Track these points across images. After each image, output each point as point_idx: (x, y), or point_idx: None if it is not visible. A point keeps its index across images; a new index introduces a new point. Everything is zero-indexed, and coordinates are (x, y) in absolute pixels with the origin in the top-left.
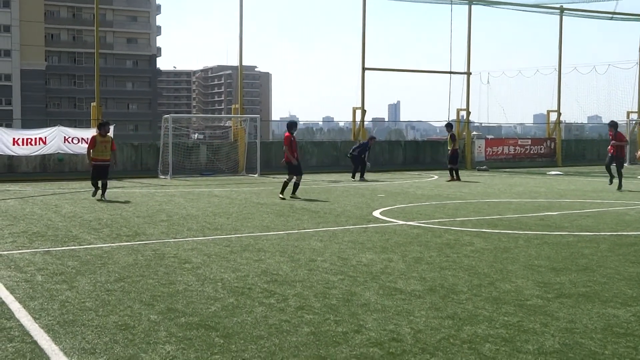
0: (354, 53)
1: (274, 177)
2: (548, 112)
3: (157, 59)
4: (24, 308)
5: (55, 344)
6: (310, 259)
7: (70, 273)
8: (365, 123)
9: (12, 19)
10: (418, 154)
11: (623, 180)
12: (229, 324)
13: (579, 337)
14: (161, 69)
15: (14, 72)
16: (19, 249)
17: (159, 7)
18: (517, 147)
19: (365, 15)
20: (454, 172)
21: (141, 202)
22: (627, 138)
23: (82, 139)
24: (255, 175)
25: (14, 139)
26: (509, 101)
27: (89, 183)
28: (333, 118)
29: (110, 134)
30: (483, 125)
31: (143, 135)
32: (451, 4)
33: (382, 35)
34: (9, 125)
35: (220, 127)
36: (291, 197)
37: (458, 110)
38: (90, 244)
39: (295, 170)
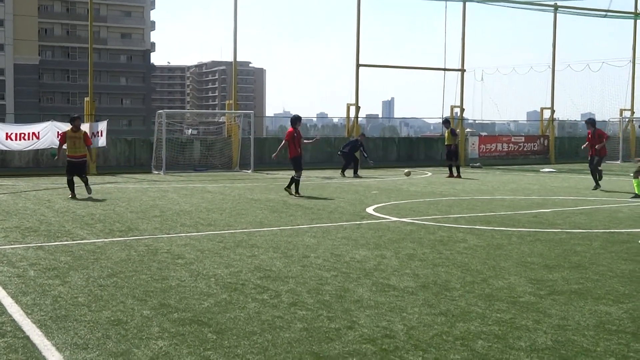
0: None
1: (267, 173)
2: (541, 109)
3: (151, 54)
4: (16, 303)
5: (48, 339)
6: (303, 255)
7: (63, 268)
8: (359, 119)
9: (6, 13)
10: (412, 151)
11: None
12: (221, 320)
13: (571, 334)
14: (155, 64)
15: (7, 67)
16: (12, 244)
17: (153, 2)
18: (511, 144)
19: (359, 12)
20: (453, 169)
21: (134, 197)
22: (609, 135)
23: None
24: (249, 171)
25: (7, 133)
26: (503, 98)
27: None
28: (327, 114)
29: (104, 128)
30: (477, 122)
31: (136, 131)
32: (445, 0)
33: (376, 32)
34: (2, 120)
35: (214, 123)
36: (285, 189)
37: (452, 107)
38: (83, 239)
39: (297, 166)
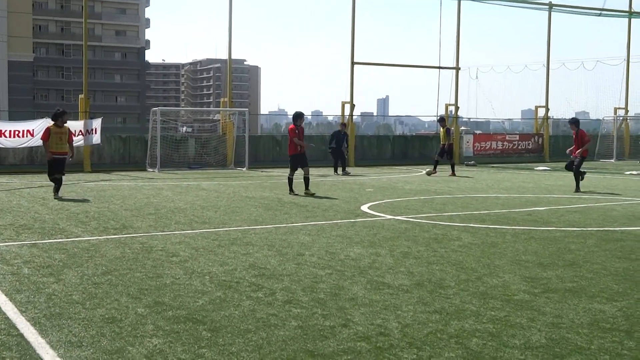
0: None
1: (262, 171)
2: (536, 107)
3: (146, 51)
4: (10, 301)
5: (42, 337)
6: (298, 253)
7: (57, 266)
8: (354, 117)
9: (0, 9)
10: (406, 149)
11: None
12: (216, 318)
13: (565, 331)
14: (150, 61)
15: (1, 64)
16: (6, 242)
17: None
18: (505, 143)
19: (354, 9)
20: (444, 166)
21: (129, 195)
22: (590, 136)
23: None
24: (244, 169)
25: (0, 130)
26: (498, 96)
27: (76, 176)
28: (322, 112)
29: (98, 126)
30: (471, 120)
31: (131, 128)
32: None
33: (371, 30)
34: None
35: (208, 121)
36: (291, 193)
37: (447, 105)
38: (77, 237)
39: (295, 163)
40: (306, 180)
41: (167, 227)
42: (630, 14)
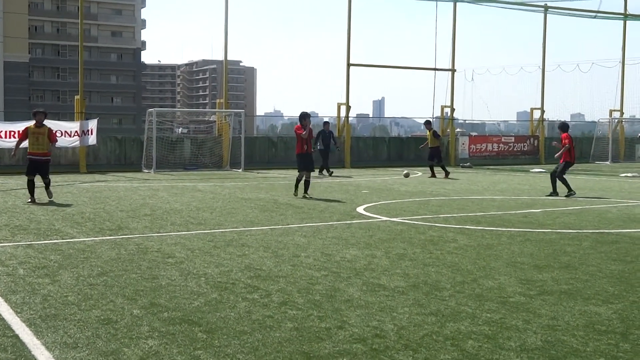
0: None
1: (257, 172)
2: (532, 109)
3: (142, 52)
4: (6, 302)
5: (37, 338)
6: (293, 254)
7: (53, 267)
8: (349, 119)
9: None
10: (402, 151)
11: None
12: (212, 319)
13: (561, 334)
14: (146, 62)
15: None
16: (1, 243)
17: (143, 0)
18: (501, 145)
19: (350, 11)
20: (442, 168)
21: (124, 196)
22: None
23: (65, 132)
24: (240, 170)
25: None
26: (493, 98)
27: (72, 176)
28: (318, 114)
29: (94, 126)
30: (467, 122)
31: (127, 129)
32: (436, 0)
33: (367, 31)
34: None
35: (204, 122)
36: (295, 194)
37: (442, 107)
38: (73, 238)
39: (301, 162)
40: (306, 183)
41: (162, 228)
42: (625, 16)
